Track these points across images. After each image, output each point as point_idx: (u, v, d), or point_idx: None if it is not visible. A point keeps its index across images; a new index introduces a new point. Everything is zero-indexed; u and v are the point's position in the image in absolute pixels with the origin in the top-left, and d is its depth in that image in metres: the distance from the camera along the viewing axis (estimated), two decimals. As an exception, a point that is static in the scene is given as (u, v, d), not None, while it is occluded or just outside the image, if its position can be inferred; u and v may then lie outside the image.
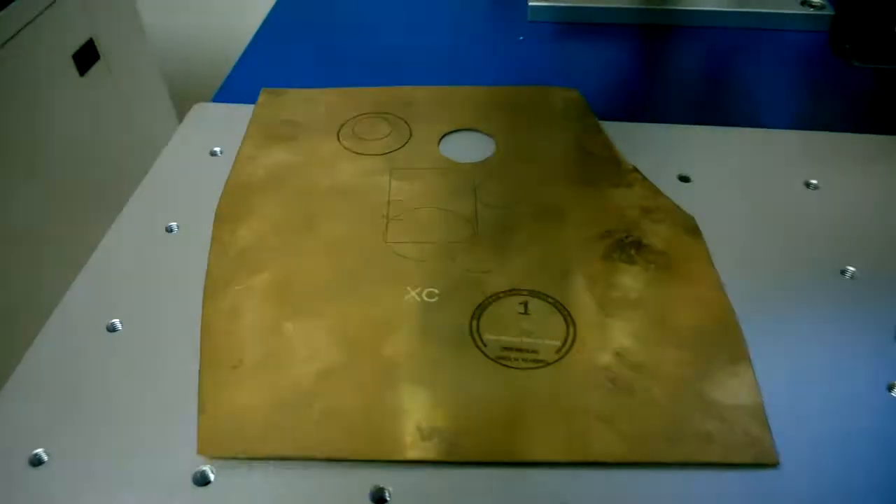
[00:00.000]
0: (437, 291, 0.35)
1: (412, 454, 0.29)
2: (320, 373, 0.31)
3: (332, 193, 0.41)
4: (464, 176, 0.42)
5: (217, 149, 0.45)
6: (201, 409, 0.30)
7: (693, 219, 0.39)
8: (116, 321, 0.34)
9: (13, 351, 0.34)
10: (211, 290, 0.35)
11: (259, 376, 0.31)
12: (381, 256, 0.37)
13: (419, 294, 0.35)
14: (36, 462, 0.29)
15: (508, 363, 0.32)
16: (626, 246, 0.37)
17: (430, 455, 0.29)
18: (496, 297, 0.35)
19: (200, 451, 0.29)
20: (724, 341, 0.33)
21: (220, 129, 0.46)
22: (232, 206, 0.40)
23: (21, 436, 0.29)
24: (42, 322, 0.34)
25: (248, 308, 0.34)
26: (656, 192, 0.41)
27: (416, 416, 0.30)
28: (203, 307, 0.34)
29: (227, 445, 0.29)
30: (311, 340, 0.33)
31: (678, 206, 0.39)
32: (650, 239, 0.37)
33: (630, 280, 0.35)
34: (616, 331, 0.33)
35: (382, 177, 0.42)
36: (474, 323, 0.33)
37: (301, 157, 0.44)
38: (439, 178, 0.42)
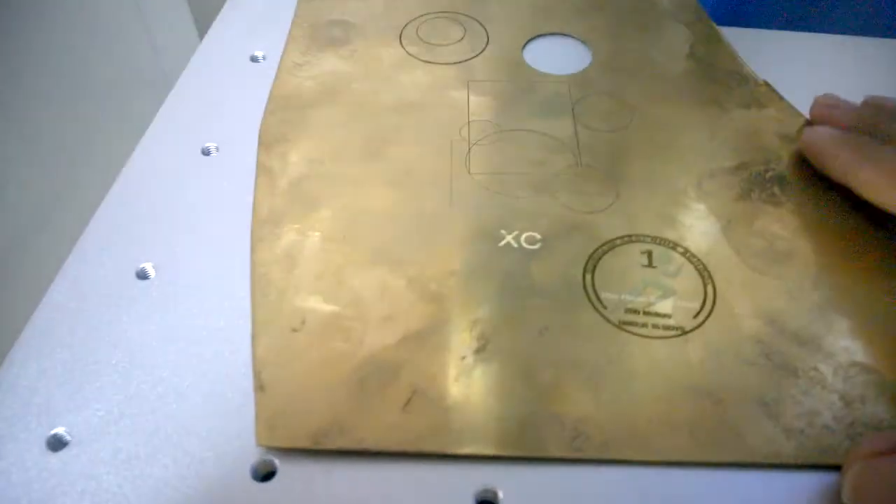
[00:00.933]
0: (538, 236, 0.28)
1: (554, 451, 0.23)
2: (405, 339, 0.25)
3: (399, 110, 0.33)
4: (557, 91, 0.35)
5: (259, 53, 0.37)
6: (258, 386, 0.24)
7: (846, 148, 0.31)
8: (147, 266, 0.28)
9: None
10: (260, 231, 0.29)
11: (327, 342, 0.25)
12: (466, 190, 0.30)
13: (517, 239, 0.28)
14: (56, 445, 0.23)
15: (636, 330, 0.25)
16: (767, 182, 0.30)
17: (577, 453, 0.23)
18: (611, 244, 0.28)
19: (261, 442, 0.23)
20: (908, 304, 0.26)
21: (261, 28, 0.39)
22: (279, 126, 0.33)
23: (34, 412, 0.24)
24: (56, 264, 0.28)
25: (307, 254, 0.28)
26: (796, 113, 0.33)
27: (526, 398, 0.24)
28: (252, 252, 0.28)
29: (293, 433, 0.23)
30: (389, 296, 0.26)
31: (826, 133, 0.32)
32: (796, 173, 0.30)
33: (777, 226, 0.29)
34: (767, 290, 0.27)
35: (458, 91, 0.35)
36: (588, 277, 0.27)
37: (358, 65, 0.36)
38: (528, 92, 0.35)
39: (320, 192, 0.30)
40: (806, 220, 0.29)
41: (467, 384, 0.24)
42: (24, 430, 0.23)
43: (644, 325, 0.26)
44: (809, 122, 0.32)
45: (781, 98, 0.34)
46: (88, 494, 0.22)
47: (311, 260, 0.27)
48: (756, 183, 0.30)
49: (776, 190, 0.30)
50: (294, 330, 0.25)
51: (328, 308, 0.26)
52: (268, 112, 0.33)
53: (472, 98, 0.34)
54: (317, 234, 0.28)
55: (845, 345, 0.25)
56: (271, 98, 0.34)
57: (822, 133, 0.29)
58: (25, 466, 0.22)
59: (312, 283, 0.27)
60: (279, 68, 0.36)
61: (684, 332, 0.25)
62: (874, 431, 0.23)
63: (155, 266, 0.28)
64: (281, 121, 0.33)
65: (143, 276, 0.27)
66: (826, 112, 0.31)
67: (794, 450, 0.23)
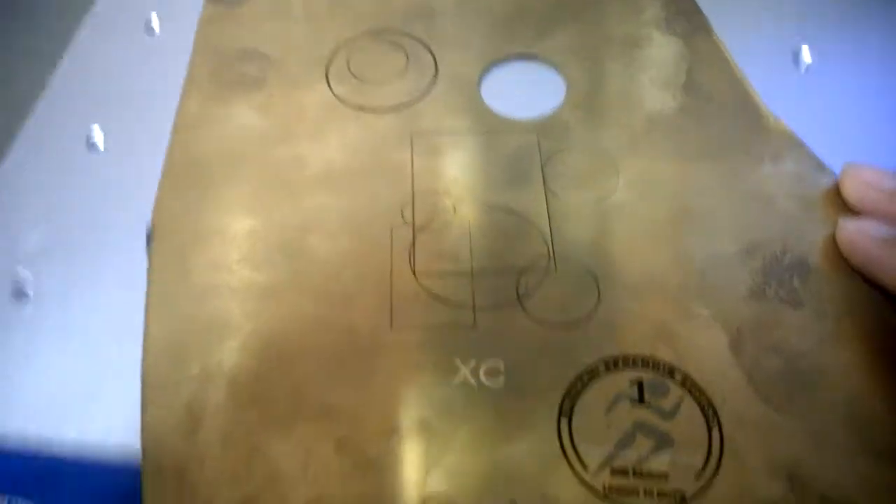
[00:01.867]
0: (500, 367, 0.23)
1: None
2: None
3: (326, 184, 0.27)
4: (523, 144, 0.28)
5: None
6: None
7: (880, 216, 0.25)
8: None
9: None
10: (153, 375, 0.23)
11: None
12: (411, 300, 0.24)
13: (475, 372, 0.23)
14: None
15: (624, 500, 0.20)
16: (785, 271, 0.24)
17: None
18: (593, 372, 0.22)
19: None
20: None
21: None
22: (174, 211, 0.26)
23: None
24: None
25: (211, 410, 0.22)
26: (818, 165, 0.27)
27: None
28: (142, 410, 0.22)
29: None
30: (314, 468, 0.21)
31: (855, 194, 0.26)
32: (820, 257, 0.24)
33: (797, 337, 0.23)
34: (786, 432, 0.21)
35: (400, 151, 0.28)
36: (564, 423, 0.22)
37: (274, 119, 0.29)
38: (486, 148, 0.28)
39: (227, 312, 0.24)
40: (834, 329, 0.23)
41: None
42: None
43: (634, 493, 0.20)
44: (836, 186, 0.26)
45: (801, 143, 0.27)
46: None
47: (216, 418, 0.22)
48: (771, 272, 0.24)
49: (796, 283, 0.24)
50: (197, 524, 0.20)
51: (239, 491, 0.21)
52: (162, 188, 0.27)
53: (416, 161, 0.27)
54: (223, 377, 0.23)
55: (889, 502, 0.20)
56: (166, 171, 0.27)
57: (864, 231, 0.23)
58: None
59: (218, 454, 0.21)
60: (175, 126, 0.29)
61: (685, 500, 0.20)
62: None
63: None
64: (177, 203, 0.27)
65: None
66: (862, 194, 0.24)
67: None
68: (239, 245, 0.25)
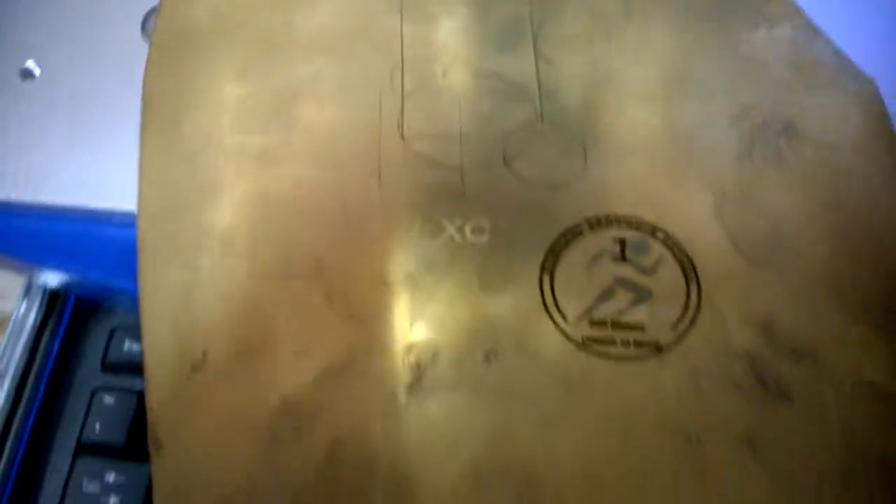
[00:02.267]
0: (485, 225, 0.23)
1: None
2: (323, 375, 0.21)
3: (318, 49, 0.27)
4: (515, 8, 0.28)
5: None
6: (153, 443, 0.20)
7: (873, 82, 0.25)
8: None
9: None
10: (148, 233, 0.23)
11: (233, 384, 0.21)
12: (399, 164, 0.24)
13: (461, 230, 0.23)
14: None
15: (602, 349, 0.21)
16: (773, 135, 0.24)
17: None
18: (576, 230, 0.23)
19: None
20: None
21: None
22: (166, 79, 0.26)
23: None
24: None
25: (205, 265, 0.23)
26: (815, 32, 0.26)
27: (469, 449, 0.20)
28: (141, 280, 0.23)
29: (198, 500, 0.20)
30: (304, 319, 0.22)
31: (849, 61, 0.26)
32: (810, 122, 0.24)
33: (783, 197, 0.23)
34: (765, 286, 0.22)
35: (390, 17, 0.28)
36: (546, 279, 0.22)
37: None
38: (478, 18, 0.28)
39: (220, 174, 0.24)
40: (818, 193, 0.23)
41: (397, 431, 0.20)
42: None
43: (612, 342, 0.21)
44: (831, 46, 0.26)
45: (798, 9, 0.27)
46: None
47: (210, 274, 0.23)
48: (760, 136, 0.24)
49: (782, 144, 0.24)
50: (194, 370, 0.21)
51: (232, 341, 0.22)
52: (151, 60, 0.27)
53: (406, 28, 0.27)
54: (216, 235, 0.23)
55: (856, 360, 0.21)
56: (156, 39, 0.27)
57: None
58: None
59: (213, 306, 0.22)
60: (164, -4, 0.29)
61: (660, 350, 0.21)
62: None
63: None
64: (169, 70, 0.27)
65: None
66: None
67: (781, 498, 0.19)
68: (231, 111, 0.26)
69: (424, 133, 0.25)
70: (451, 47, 0.27)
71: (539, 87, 0.25)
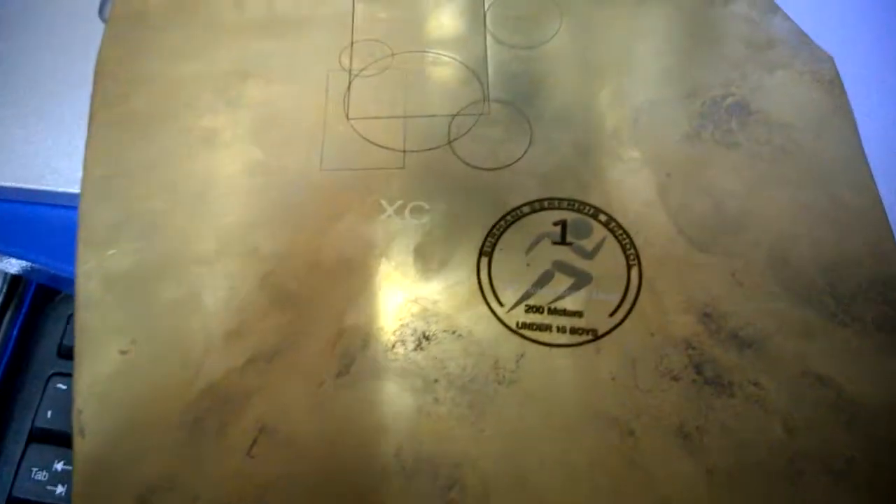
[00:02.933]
0: (426, 205, 0.23)
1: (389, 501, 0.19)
2: (253, 360, 0.21)
3: (270, 30, 0.26)
4: (470, -11, 0.27)
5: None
6: (77, 429, 0.20)
7: (832, 61, 0.24)
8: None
9: None
10: (90, 197, 0.23)
11: (160, 367, 0.21)
12: (342, 143, 0.24)
13: (400, 210, 0.23)
14: None
15: (536, 336, 0.21)
16: (724, 113, 0.23)
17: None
18: (517, 213, 0.22)
19: (77, 502, 0.19)
20: (889, 294, 0.20)
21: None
22: (117, 56, 0.26)
23: None
24: None
25: (141, 240, 0.22)
26: (773, 8, 0.25)
27: (397, 436, 0.20)
28: (77, 263, 0.22)
29: (115, 491, 0.19)
30: (237, 301, 0.21)
31: (807, 38, 0.25)
32: (762, 101, 0.24)
33: (730, 178, 0.22)
34: (707, 272, 0.21)
35: (341, -4, 0.27)
36: (484, 262, 0.22)
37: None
38: (430, -2, 0.27)
39: (165, 152, 0.24)
40: (768, 171, 0.22)
41: (323, 419, 0.20)
42: None
43: (547, 329, 0.21)
44: (788, 21, 0.25)
45: (754, -16, 0.26)
46: None
47: (143, 258, 0.22)
48: (710, 115, 0.23)
49: (734, 125, 0.23)
50: (122, 352, 0.21)
51: (162, 321, 0.21)
52: (105, 41, 0.27)
53: (358, 7, 0.27)
54: (154, 218, 0.23)
55: (798, 348, 0.20)
56: (110, 19, 0.27)
57: None
58: None
59: (147, 283, 0.22)
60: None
61: (596, 337, 0.20)
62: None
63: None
64: (120, 50, 0.26)
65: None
66: None
67: (716, 499, 0.18)
68: (181, 90, 0.25)
69: (370, 114, 0.24)
70: (401, 27, 0.26)
71: (487, 68, 0.25)
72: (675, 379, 0.20)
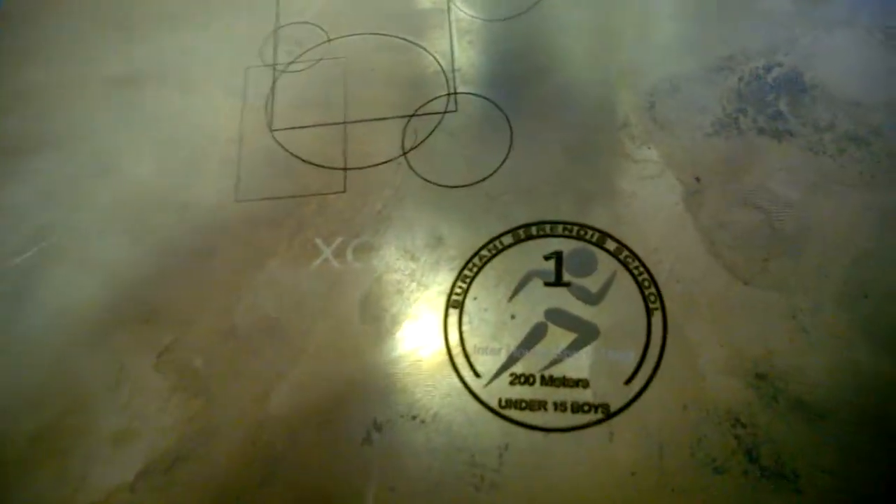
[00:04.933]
0: (374, 242, 0.17)
1: None
2: (148, 473, 0.15)
3: (177, 16, 0.21)
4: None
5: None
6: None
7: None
8: None
9: None
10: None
11: (33, 481, 0.16)
12: (263, 163, 0.18)
13: (340, 251, 0.17)
14: None
15: (526, 418, 0.15)
16: (770, 89, 0.17)
17: None
18: (495, 245, 0.17)
19: None
20: None
21: None
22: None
23: None
24: None
25: (26, 290, 0.17)
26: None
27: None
28: None
29: None
30: (129, 388, 0.16)
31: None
32: (820, 71, 0.17)
33: (783, 180, 0.16)
34: (757, 313, 0.15)
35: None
36: (454, 316, 0.16)
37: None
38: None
39: (37, 191, 0.19)
40: (834, 168, 0.16)
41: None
42: None
43: (541, 407, 0.15)
44: None
45: None
46: None
47: (13, 318, 0.17)
48: (750, 95, 0.17)
49: (783, 106, 0.17)
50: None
51: (31, 426, 0.16)
52: None
53: (283, -18, 0.21)
54: (24, 264, 0.18)
55: (889, 415, 0.14)
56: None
57: None
58: None
59: (9, 368, 0.17)
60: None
61: (608, 416, 0.15)
62: None
63: None
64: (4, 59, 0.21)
65: None
66: None
67: None
68: (63, 105, 0.20)
69: (299, 121, 0.19)
70: (339, 4, 0.20)
71: (452, 50, 0.19)
72: (720, 471, 0.14)
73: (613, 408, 0.15)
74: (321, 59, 0.19)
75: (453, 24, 0.19)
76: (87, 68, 0.20)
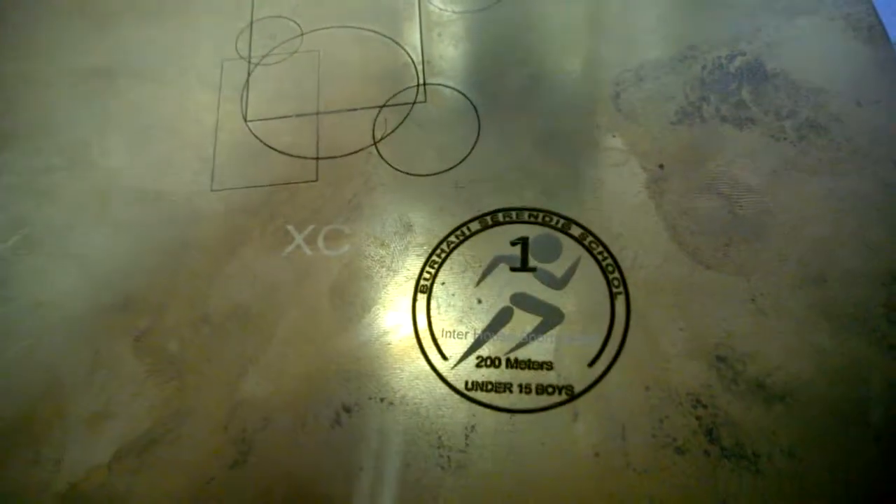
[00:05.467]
0: (345, 229, 0.17)
1: None
2: (123, 453, 0.16)
3: (143, 12, 0.21)
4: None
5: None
6: None
7: (870, 1, 0.18)
8: None
9: None
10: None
11: (10, 464, 0.16)
12: (238, 154, 0.19)
13: (311, 238, 0.17)
14: None
15: (491, 399, 0.15)
16: (732, 78, 0.18)
17: None
18: (463, 231, 0.17)
19: None
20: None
21: None
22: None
23: None
24: None
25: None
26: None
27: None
28: None
29: None
30: (105, 373, 0.17)
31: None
32: (782, 59, 0.18)
33: (746, 167, 0.17)
34: (721, 296, 0.16)
35: (240, -35, 0.22)
36: (422, 301, 0.16)
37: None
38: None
39: (10, 185, 0.19)
40: (795, 154, 0.17)
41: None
42: None
43: (506, 388, 0.15)
44: None
45: None
46: None
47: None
48: (713, 83, 0.18)
49: (745, 94, 0.17)
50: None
51: (13, 407, 0.16)
52: None
53: (259, -24, 0.21)
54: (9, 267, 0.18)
55: (850, 399, 0.14)
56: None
57: None
58: None
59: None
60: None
61: (572, 397, 0.15)
62: None
63: None
64: None
65: None
66: None
67: None
68: (36, 100, 0.20)
69: (273, 112, 0.19)
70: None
71: (421, 42, 0.19)
72: (681, 451, 0.14)
73: (577, 389, 0.15)
74: (295, 52, 0.20)
75: (423, 17, 0.20)
76: (60, 61, 0.21)
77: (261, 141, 0.19)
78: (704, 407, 0.15)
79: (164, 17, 0.21)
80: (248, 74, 0.20)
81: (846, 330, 0.15)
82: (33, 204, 0.19)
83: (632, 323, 0.16)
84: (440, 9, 0.20)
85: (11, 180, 0.19)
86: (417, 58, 0.19)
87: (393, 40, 0.19)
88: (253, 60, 0.20)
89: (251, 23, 0.20)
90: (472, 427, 0.15)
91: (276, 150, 0.18)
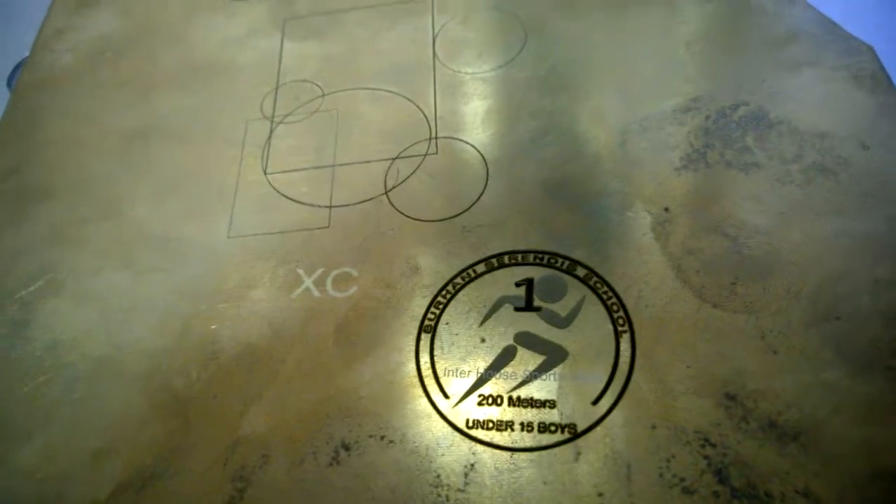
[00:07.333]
0: (353, 272, 0.18)
1: None
2: (123, 487, 0.16)
3: (183, 80, 0.23)
4: (413, 8, 0.23)
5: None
6: None
7: (872, 51, 0.19)
8: None
9: None
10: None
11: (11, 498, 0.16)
12: (255, 203, 0.19)
13: (320, 280, 0.18)
14: None
15: (492, 438, 0.15)
16: (735, 126, 0.18)
17: None
18: (468, 273, 0.17)
19: None
20: None
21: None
22: (18, 124, 0.23)
23: None
24: None
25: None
26: (790, -3, 0.20)
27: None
28: None
29: None
30: (107, 409, 0.17)
31: (837, 28, 0.19)
32: (785, 107, 0.18)
33: (750, 209, 0.17)
34: (728, 337, 0.15)
35: (270, 38, 0.23)
36: (426, 340, 0.16)
37: (136, 18, 0.25)
38: (369, 21, 0.23)
39: (41, 236, 0.20)
40: (801, 196, 0.17)
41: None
42: None
43: (507, 427, 0.15)
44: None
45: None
46: None
47: (14, 346, 0.18)
48: (717, 131, 0.18)
49: (749, 141, 0.18)
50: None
51: (13, 435, 0.17)
52: (10, 105, 0.23)
53: (287, 46, 0.23)
54: (26, 298, 0.19)
55: (863, 438, 0.14)
56: (17, 86, 0.24)
57: None
58: None
59: (12, 388, 0.17)
60: (35, 41, 0.25)
61: (575, 435, 0.15)
62: None
63: None
64: (22, 119, 0.23)
65: None
66: None
67: None
68: (78, 149, 0.22)
69: (292, 165, 0.20)
70: (335, 63, 0.22)
71: (435, 99, 0.20)
72: (689, 492, 0.14)
73: (580, 427, 0.15)
74: (315, 112, 0.21)
75: (438, 77, 0.21)
76: (101, 125, 0.22)
77: (277, 191, 0.19)
78: (713, 446, 0.14)
79: (198, 87, 0.22)
80: (271, 132, 0.21)
81: (861, 367, 0.14)
82: (60, 250, 0.19)
83: (637, 361, 0.15)
84: (454, 70, 0.21)
85: (44, 230, 0.20)
86: (431, 114, 0.20)
87: (408, 99, 0.20)
88: (276, 119, 0.21)
89: (276, 87, 0.21)
90: (472, 465, 0.15)
91: (291, 199, 0.19)
